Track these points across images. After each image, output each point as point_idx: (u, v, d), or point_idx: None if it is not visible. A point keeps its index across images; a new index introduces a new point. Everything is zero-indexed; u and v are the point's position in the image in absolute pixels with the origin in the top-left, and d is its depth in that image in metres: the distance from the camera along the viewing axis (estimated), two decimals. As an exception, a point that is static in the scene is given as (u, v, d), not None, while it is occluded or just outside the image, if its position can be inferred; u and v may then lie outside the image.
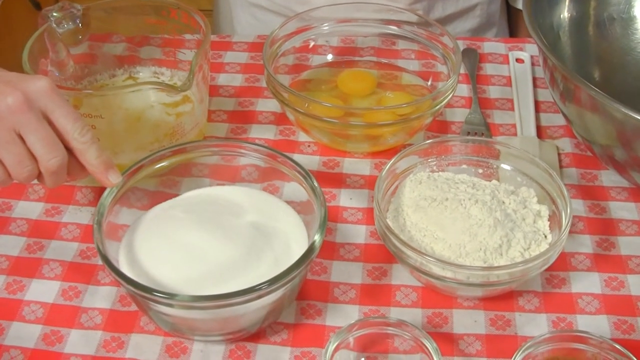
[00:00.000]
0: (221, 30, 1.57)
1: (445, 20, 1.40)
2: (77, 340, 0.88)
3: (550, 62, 1.00)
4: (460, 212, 0.91)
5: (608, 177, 1.08)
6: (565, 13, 1.16)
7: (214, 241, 0.88)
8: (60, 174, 0.86)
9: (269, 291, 0.80)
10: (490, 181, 0.99)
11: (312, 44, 1.22)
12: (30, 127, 0.83)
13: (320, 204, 0.87)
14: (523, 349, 0.82)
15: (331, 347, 0.82)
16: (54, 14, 1.07)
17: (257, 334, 0.88)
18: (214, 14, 1.61)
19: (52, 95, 0.84)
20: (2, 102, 0.82)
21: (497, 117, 1.18)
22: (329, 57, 1.22)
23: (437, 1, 1.38)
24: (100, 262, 0.92)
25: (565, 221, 0.90)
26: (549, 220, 0.95)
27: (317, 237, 0.84)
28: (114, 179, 0.88)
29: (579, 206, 1.04)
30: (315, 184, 0.89)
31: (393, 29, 1.20)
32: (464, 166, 1.01)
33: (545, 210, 0.95)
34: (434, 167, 1.00)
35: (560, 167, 1.10)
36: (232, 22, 1.52)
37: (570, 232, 0.99)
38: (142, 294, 0.80)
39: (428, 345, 0.83)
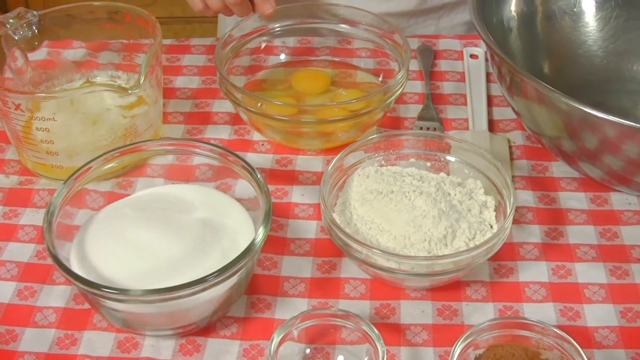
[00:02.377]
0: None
1: (440, 10, 1.42)
2: (32, 338, 0.89)
3: (497, 57, 1.01)
4: (405, 204, 0.93)
5: (558, 168, 1.10)
6: (514, 7, 1.17)
7: (162, 238, 0.89)
8: (243, 4, 1.10)
9: (216, 283, 0.81)
10: (438, 174, 1.00)
11: (266, 44, 1.23)
12: None
13: (265, 198, 0.88)
14: (465, 336, 0.84)
15: (276, 340, 0.84)
16: (11, 20, 1.09)
17: (207, 328, 0.90)
18: (219, 18, 1.60)
19: None
20: None
21: (450, 112, 1.19)
22: (284, 57, 1.24)
23: None
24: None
25: (509, 210, 0.92)
26: (495, 210, 0.96)
27: (261, 230, 0.85)
28: (266, 8, 1.10)
29: (528, 197, 1.06)
30: (260, 178, 0.91)
31: (348, 28, 1.21)
32: (413, 160, 1.02)
33: (491, 201, 0.97)
34: (382, 162, 1.01)
35: (512, 159, 1.11)
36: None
37: (520, 222, 1.01)
38: (92, 291, 0.81)
39: (372, 335, 0.84)
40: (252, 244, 0.84)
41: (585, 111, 0.91)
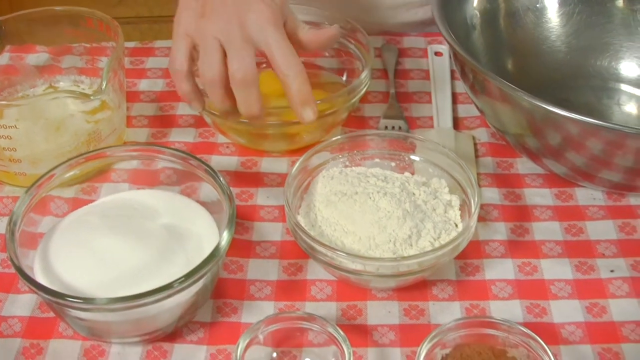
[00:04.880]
0: None
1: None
2: (-3, 349, 0.89)
3: (460, 56, 1.02)
4: (369, 205, 0.93)
5: (523, 165, 1.10)
6: (477, 5, 1.17)
7: (126, 245, 0.89)
8: (248, 93, 0.92)
9: (180, 289, 0.81)
10: (402, 174, 1.00)
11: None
12: (233, 43, 0.91)
13: (229, 201, 0.88)
14: (431, 336, 0.84)
15: (242, 345, 0.84)
16: (-30, 26, 1.08)
17: (174, 334, 0.90)
18: None
19: (271, 27, 0.92)
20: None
21: (415, 110, 1.19)
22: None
23: None
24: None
25: (474, 207, 0.92)
26: (460, 209, 0.97)
27: (225, 234, 0.85)
28: (307, 116, 0.93)
29: (494, 194, 1.06)
30: (223, 182, 0.91)
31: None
32: (377, 160, 1.02)
33: (456, 200, 0.97)
34: (347, 163, 1.01)
35: (477, 157, 1.11)
36: None
37: (485, 220, 1.01)
38: (56, 300, 0.81)
39: (338, 337, 0.84)
40: (216, 249, 0.84)
41: (547, 109, 0.91)
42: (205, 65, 0.92)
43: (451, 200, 0.97)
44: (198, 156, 0.96)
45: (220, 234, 0.87)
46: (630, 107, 1.18)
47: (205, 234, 0.92)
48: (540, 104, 0.92)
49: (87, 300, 0.80)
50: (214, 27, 0.92)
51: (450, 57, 1.27)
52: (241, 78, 0.91)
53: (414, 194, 0.96)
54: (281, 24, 0.93)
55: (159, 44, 1.34)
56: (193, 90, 0.96)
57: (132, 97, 1.22)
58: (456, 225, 0.95)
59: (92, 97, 0.99)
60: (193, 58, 0.95)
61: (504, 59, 1.20)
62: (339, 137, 1.01)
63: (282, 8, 0.95)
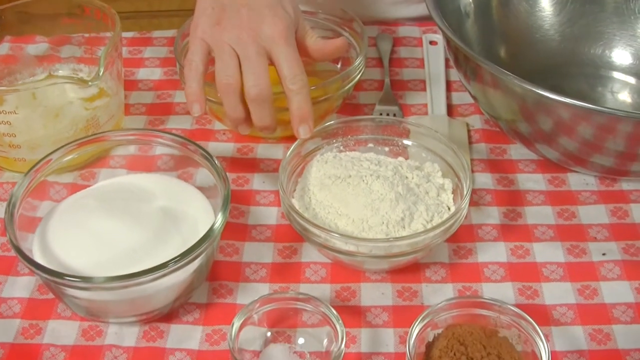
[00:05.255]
0: None
1: None
2: (-4, 329, 0.90)
3: (453, 43, 1.03)
4: (362, 187, 0.94)
5: (516, 151, 1.11)
6: (471, -6, 1.19)
7: (123, 227, 0.90)
8: (262, 107, 0.96)
9: (176, 269, 0.82)
10: (396, 159, 1.01)
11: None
12: (249, 57, 0.95)
13: (223, 183, 0.90)
14: (422, 316, 0.85)
15: (236, 325, 0.85)
16: (-30, 16, 1.09)
17: (170, 315, 0.91)
18: None
19: (282, 40, 0.95)
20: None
21: (410, 98, 1.21)
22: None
23: None
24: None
25: (466, 190, 0.93)
26: (452, 193, 0.98)
27: (220, 216, 0.86)
28: (302, 133, 0.97)
29: (487, 180, 1.07)
30: (218, 164, 0.92)
31: (307, 17, 1.22)
32: (371, 145, 1.03)
33: (449, 184, 0.98)
34: (341, 148, 1.03)
35: (470, 143, 1.13)
36: None
37: (478, 204, 1.02)
38: (55, 280, 0.82)
39: (331, 317, 0.85)
40: (210, 230, 0.85)
41: (539, 93, 0.92)
42: (221, 71, 0.96)
43: (444, 184, 0.98)
44: (195, 143, 0.97)
45: (216, 216, 0.88)
46: (623, 96, 1.19)
47: (200, 217, 0.93)
48: (531, 88, 0.93)
49: (85, 279, 0.82)
50: (229, 36, 0.96)
51: (444, 46, 1.28)
52: (257, 94, 0.95)
53: (407, 177, 0.98)
54: (293, 36, 0.98)
55: (156, 34, 1.35)
56: (200, 93, 0.97)
57: (130, 85, 1.23)
58: (449, 209, 0.96)
59: (90, 83, 1.00)
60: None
61: (497, 47, 1.21)
62: (332, 122, 1.02)
63: (295, 19, 1.00)
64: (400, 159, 1.02)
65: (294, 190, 0.99)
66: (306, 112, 0.97)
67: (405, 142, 1.03)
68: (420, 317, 0.85)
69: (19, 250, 0.84)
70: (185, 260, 0.83)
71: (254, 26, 0.96)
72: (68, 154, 0.96)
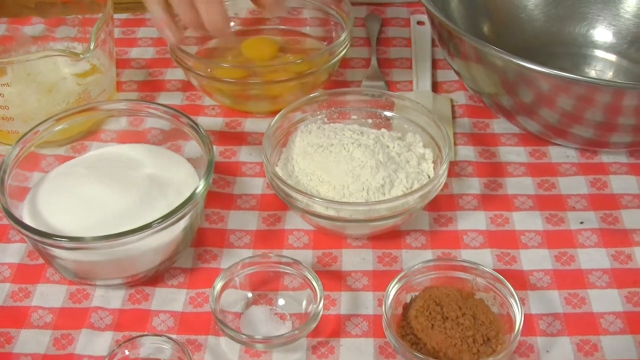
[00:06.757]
0: None
1: None
2: (-15, 294, 0.93)
3: (437, 20, 1.05)
4: (344, 155, 0.96)
5: (499, 125, 1.14)
6: (456, -27, 1.21)
7: (111, 192, 0.92)
8: (211, 4, 0.95)
9: (160, 229, 0.85)
10: (379, 130, 1.04)
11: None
12: None
13: (208, 149, 0.92)
14: (399, 277, 0.87)
15: (218, 287, 0.88)
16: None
17: (155, 278, 0.93)
18: None
19: None
20: None
21: (396, 75, 1.23)
22: (235, 26, 1.27)
23: None
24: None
25: (445, 156, 0.95)
26: (433, 163, 1.00)
27: (203, 180, 0.89)
28: (166, 34, 1.00)
29: (469, 152, 1.09)
30: (203, 132, 0.94)
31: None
32: (355, 117, 1.05)
33: (429, 153, 1.00)
34: (325, 120, 1.05)
35: (454, 117, 1.15)
36: None
37: (460, 175, 1.05)
38: (43, 241, 0.84)
39: (311, 278, 0.88)
40: (193, 193, 0.87)
41: (519, 64, 0.95)
42: None
43: (424, 154, 1.00)
44: (184, 118, 1.00)
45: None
46: (606, 75, 1.21)
47: (185, 183, 0.95)
48: (511, 59, 0.95)
49: (73, 238, 0.84)
50: None
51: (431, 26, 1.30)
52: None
53: (388, 146, 1.00)
54: None
55: (150, 15, 1.37)
56: (166, 18, 0.99)
57: (122, 64, 1.26)
58: (429, 177, 0.98)
59: (81, 56, 1.03)
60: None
61: (482, 26, 1.23)
62: (317, 93, 1.04)
63: None
64: (383, 130, 1.03)
65: (278, 159, 1.01)
66: (166, 18, 1.00)
67: (389, 114, 1.05)
68: (397, 278, 0.87)
69: (8, 213, 0.86)
70: (169, 221, 0.85)
71: None
72: (58, 124, 0.98)
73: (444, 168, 0.93)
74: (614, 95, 0.94)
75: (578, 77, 0.93)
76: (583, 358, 0.85)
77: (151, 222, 0.84)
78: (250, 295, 0.90)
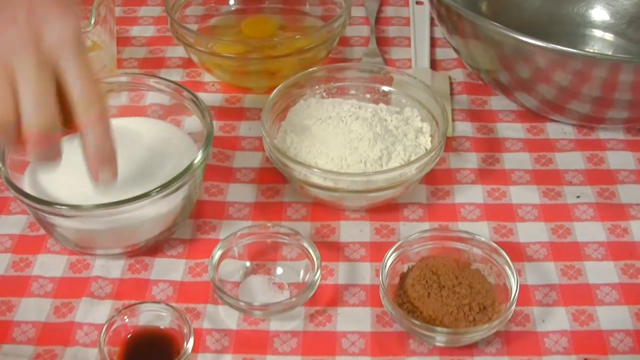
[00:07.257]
0: None
1: None
2: (-13, 263, 0.94)
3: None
4: (342, 127, 0.97)
5: (497, 102, 1.14)
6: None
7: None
8: (45, 146, 0.74)
9: (158, 198, 0.86)
10: (377, 105, 1.04)
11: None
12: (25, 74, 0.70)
13: (207, 120, 0.93)
14: (395, 246, 0.88)
15: (217, 256, 0.89)
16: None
17: (155, 249, 0.94)
18: None
19: (73, 46, 0.72)
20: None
21: (394, 53, 1.24)
22: (234, 4, 1.28)
23: None
24: (11, 195, 0.97)
25: (441, 129, 0.96)
26: (431, 137, 1.00)
27: (201, 151, 0.89)
28: (104, 177, 0.77)
29: (467, 128, 1.10)
30: (203, 104, 0.95)
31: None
32: (353, 92, 1.06)
33: (427, 127, 1.01)
34: (324, 94, 1.06)
35: (452, 94, 1.16)
36: None
37: (457, 150, 1.05)
38: (44, 209, 0.85)
39: (309, 247, 0.88)
40: (191, 163, 0.88)
41: (516, 39, 0.96)
42: None
43: (422, 127, 1.01)
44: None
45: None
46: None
47: (185, 155, 0.96)
48: (509, 34, 0.96)
49: (73, 206, 0.85)
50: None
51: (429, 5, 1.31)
52: (38, 132, 0.73)
53: (385, 120, 1.00)
54: (85, 43, 0.77)
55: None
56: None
57: (123, 42, 1.27)
58: (427, 150, 0.99)
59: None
60: None
61: (481, 5, 1.24)
62: (316, 68, 1.05)
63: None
64: (381, 104, 1.04)
65: (277, 133, 1.01)
66: (107, 151, 0.76)
67: (387, 89, 1.05)
68: (394, 247, 0.88)
69: (9, 183, 0.87)
70: (168, 191, 0.86)
71: (36, 25, 0.72)
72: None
73: (441, 140, 0.94)
74: (610, 69, 0.95)
75: (574, 50, 0.94)
76: (578, 327, 0.86)
77: (150, 191, 0.85)
78: (248, 264, 0.91)
